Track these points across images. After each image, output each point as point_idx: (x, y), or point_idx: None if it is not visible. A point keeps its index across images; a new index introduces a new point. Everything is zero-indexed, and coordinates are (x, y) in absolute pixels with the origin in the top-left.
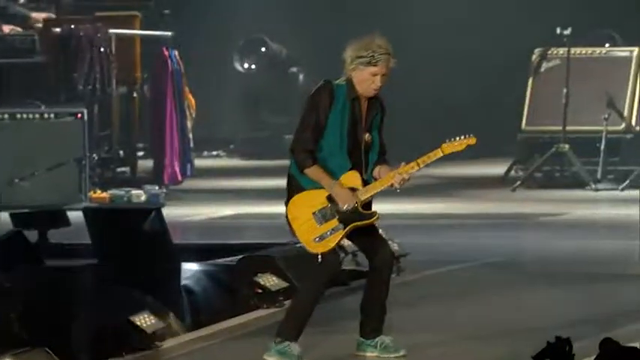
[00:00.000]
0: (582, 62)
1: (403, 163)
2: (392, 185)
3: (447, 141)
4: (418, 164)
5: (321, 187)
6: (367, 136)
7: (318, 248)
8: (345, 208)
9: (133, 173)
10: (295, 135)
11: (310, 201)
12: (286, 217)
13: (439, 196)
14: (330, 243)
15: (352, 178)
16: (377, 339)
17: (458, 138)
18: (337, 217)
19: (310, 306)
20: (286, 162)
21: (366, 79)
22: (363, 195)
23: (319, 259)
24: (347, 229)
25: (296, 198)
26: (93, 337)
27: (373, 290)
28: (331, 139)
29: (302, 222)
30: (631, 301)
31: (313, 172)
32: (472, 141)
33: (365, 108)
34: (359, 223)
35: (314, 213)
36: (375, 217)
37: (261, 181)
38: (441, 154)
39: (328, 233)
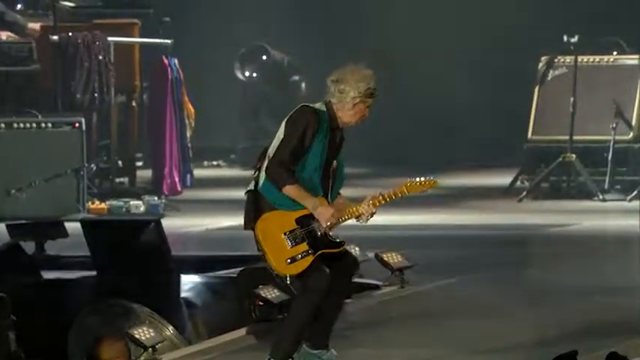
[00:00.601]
0: (589, 70)
1: (370, 195)
2: (358, 217)
3: (410, 180)
4: (385, 198)
5: (291, 209)
6: (334, 163)
7: (289, 270)
8: (326, 226)
9: (132, 184)
10: (277, 154)
11: (279, 222)
12: (254, 234)
13: (444, 207)
14: (301, 267)
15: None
16: (329, 353)
17: (420, 179)
18: (307, 241)
19: (305, 323)
20: None
21: (364, 111)
22: (330, 226)
23: (288, 281)
24: (317, 254)
25: (265, 216)
26: (90, 350)
27: (337, 299)
28: (312, 163)
29: (272, 242)
30: (638, 315)
31: (295, 190)
32: (434, 184)
33: (338, 137)
34: (327, 250)
35: (285, 234)
36: (343, 246)
37: None
38: (406, 192)
39: (299, 256)
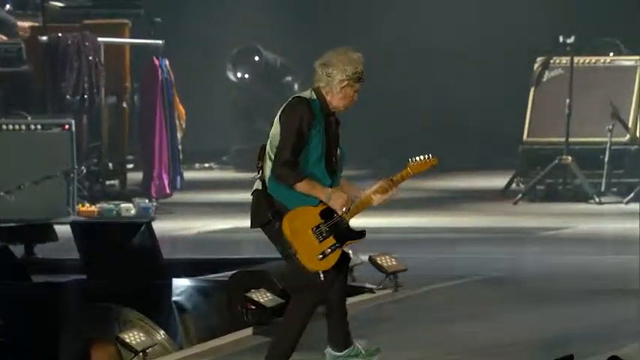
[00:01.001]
0: (586, 71)
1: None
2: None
3: (411, 160)
4: (394, 182)
5: (307, 204)
6: (337, 151)
7: (321, 266)
8: (344, 211)
9: (123, 186)
10: (278, 154)
11: (305, 218)
12: (282, 234)
13: (438, 210)
14: (332, 260)
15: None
16: (355, 348)
17: (420, 157)
18: (333, 234)
19: (304, 325)
20: None
21: (352, 95)
22: (349, 217)
23: (321, 277)
24: (343, 246)
25: (292, 214)
26: (81, 354)
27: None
28: (313, 154)
29: (302, 240)
30: (636, 318)
31: (305, 184)
32: (434, 161)
33: (333, 123)
34: (352, 241)
35: (312, 230)
36: (364, 235)
37: None
38: (411, 173)
39: (329, 250)
